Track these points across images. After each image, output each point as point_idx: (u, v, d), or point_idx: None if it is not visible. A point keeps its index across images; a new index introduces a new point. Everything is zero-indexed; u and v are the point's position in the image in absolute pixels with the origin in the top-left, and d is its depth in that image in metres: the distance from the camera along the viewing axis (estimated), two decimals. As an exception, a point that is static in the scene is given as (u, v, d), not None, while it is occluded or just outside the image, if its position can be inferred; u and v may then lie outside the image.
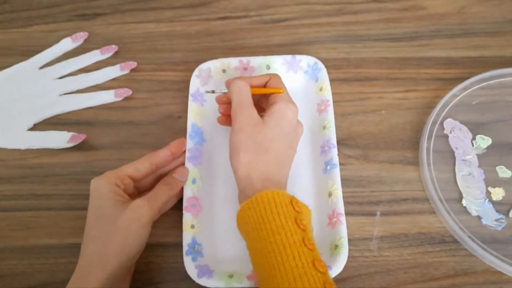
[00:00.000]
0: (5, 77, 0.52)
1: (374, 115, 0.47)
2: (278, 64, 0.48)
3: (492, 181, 0.43)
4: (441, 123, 0.46)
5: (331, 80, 0.47)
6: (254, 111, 0.38)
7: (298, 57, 0.48)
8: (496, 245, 0.40)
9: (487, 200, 0.42)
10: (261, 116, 0.38)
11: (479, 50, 0.51)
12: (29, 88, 0.51)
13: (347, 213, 0.41)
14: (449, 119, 0.46)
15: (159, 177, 0.42)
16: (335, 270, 0.37)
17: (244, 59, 0.48)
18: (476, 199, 0.42)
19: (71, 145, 0.47)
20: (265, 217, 0.32)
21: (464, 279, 0.39)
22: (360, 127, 0.47)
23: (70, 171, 0.46)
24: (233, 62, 0.48)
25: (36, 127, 0.49)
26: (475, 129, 0.46)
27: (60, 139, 0.47)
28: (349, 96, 0.49)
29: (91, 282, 0.34)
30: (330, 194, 0.41)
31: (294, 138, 0.39)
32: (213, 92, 0.43)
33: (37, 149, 0.47)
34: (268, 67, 0.48)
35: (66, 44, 0.54)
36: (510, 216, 0.41)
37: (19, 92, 0.51)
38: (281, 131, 0.37)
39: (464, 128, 0.46)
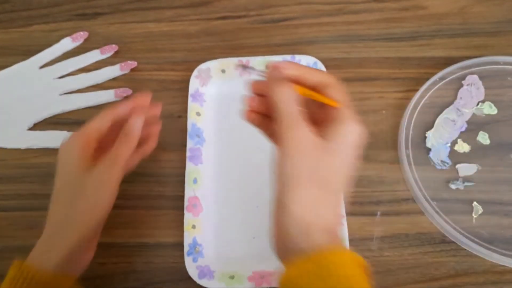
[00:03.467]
0: (5, 77, 0.52)
1: (375, 115, 0.47)
2: None
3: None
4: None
5: (331, 80, 0.47)
6: (309, 129, 0.29)
7: (297, 57, 0.48)
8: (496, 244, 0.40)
9: (449, 145, 0.44)
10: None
11: (480, 50, 0.51)
12: (29, 88, 0.51)
13: (348, 213, 0.41)
14: (475, 76, 0.47)
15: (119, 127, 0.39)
16: None
17: (244, 59, 0.48)
18: (441, 139, 0.43)
19: (71, 145, 0.47)
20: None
21: (464, 279, 0.39)
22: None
23: (70, 171, 0.46)
24: (232, 62, 0.48)
25: (36, 126, 0.49)
26: (476, 128, 0.46)
27: (60, 138, 0.47)
28: (350, 96, 0.49)
29: (59, 246, 0.34)
30: None
31: (353, 170, 0.30)
32: (245, 68, 0.34)
33: (37, 149, 0.47)
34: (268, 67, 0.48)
35: (66, 43, 0.54)
36: (456, 167, 0.43)
37: (19, 91, 0.51)
38: (347, 162, 0.29)
39: (482, 89, 0.46)
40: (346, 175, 0.29)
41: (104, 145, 0.39)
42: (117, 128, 0.38)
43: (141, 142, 0.39)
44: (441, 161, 0.43)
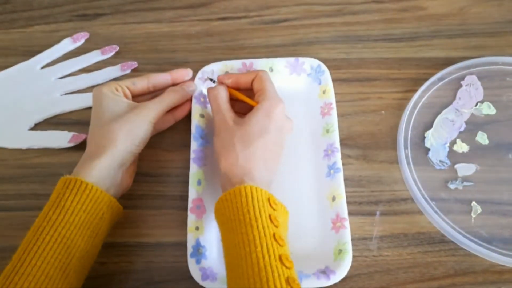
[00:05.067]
0: (6, 77, 0.52)
1: (374, 115, 0.48)
2: (281, 66, 0.48)
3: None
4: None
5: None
6: (229, 114, 0.40)
7: (301, 59, 0.48)
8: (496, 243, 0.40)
9: (448, 145, 0.44)
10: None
11: (479, 50, 0.51)
12: (30, 88, 0.51)
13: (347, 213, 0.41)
14: (474, 76, 0.47)
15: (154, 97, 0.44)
16: (339, 275, 0.37)
17: (247, 61, 0.48)
18: (440, 139, 0.44)
19: (72, 145, 0.47)
20: (240, 209, 0.33)
21: (463, 279, 0.39)
22: (360, 127, 0.47)
23: (71, 171, 0.45)
24: (236, 64, 0.48)
25: (37, 127, 0.49)
26: (475, 129, 0.46)
27: (61, 139, 0.47)
28: (349, 97, 0.49)
29: (97, 162, 0.37)
30: (334, 199, 0.41)
31: (280, 135, 0.40)
32: (214, 81, 0.45)
33: (38, 149, 0.47)
34: (271, 69, 0.48)
35: (67, 44, 0.54)
36: (455, 167, 0.43)
37: (20, 92, 0.51)
38: (263, 128, 0.38)
39: (481, 89, 0.47)
40: (267, 138, 0.38)
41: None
42: (151, 97, 0.43)
43: (174, 109, 0.45)
44: (440, 161, 0.43)
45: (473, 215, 0.42)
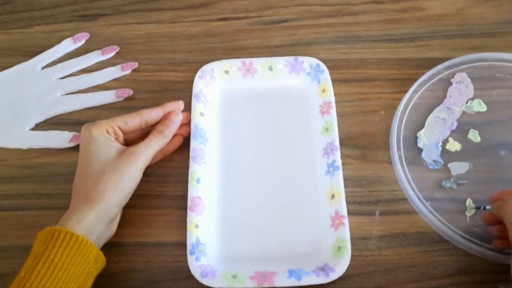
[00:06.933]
0: (7, 77, 0.52)
1: (373, 115, 0.48)
2: (280, 65, 0.48)
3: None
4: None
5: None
6: None
7: (300, 58, 0.48)
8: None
9: (440, 144, 0.44)
10: None
11: (478, 51, 0.51)
12: (30, 88, 0.51)
13: (347, 213, 0.41)
14: (464, 73, 0.47)
15: (146, 133, 0.42)
16: (338, 272, 0.38)
17: (247, 60, 0.48)
18: (432, 138, 0.44)
19: (72, 145, 0.47)
20: None
21: (462, 278, 0.39)
22: (359, 127, 0.47)
23: (71, 171, 0.45)
24: (235, 63, 0.49)
25: (38, 127, 0.49)
26: (467, 126, 0.46)
27: (62, 139, 0.48)
28: (348, 97, 0.49)
29: (85, 215, 0.36)
30: (333, 196, 0.41)
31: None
32: (479, 208, 0.41)
33: (38, 149, 0.48)
34: (271, 69, 0.48)
35: (68, 44, 0.54)
36: (448, 166, 0.43)
37: (20, 92, 0.51)
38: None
39: (471, 87, 0.47)
40: None
41: (128, 144, 0.42)
42: (143, 132, 0.42)
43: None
44: (433, 160, 0.44)
45: (468, 214, 0.42)
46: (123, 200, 0.39)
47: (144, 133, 0.43)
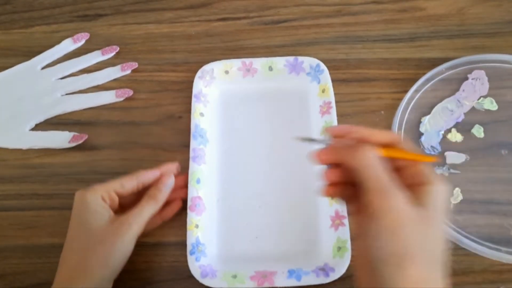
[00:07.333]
0: (7, 78, 0.52)
1: (373, 116, 0.48)
2: (280, 65, 0.48)
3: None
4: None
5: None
6: (403, 197, 0.26)
7: (300, 58, 0.48)
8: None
9: (442, 132, 0.44)
10: None
11: (478, 51, 0.51)
12: (30, 89, 0.51)
13: (348, 212, 0.41)
14: (482, 71, 0.47)
15: (143, 193, 0.40)
16: (338, 272, 0.38)
17: (247, 61, 0.48)
18: (435, 125, 0.44)
19: (72, 145, 0.47)
20: None
21: (462, 279, 0.39)
22: (359, 128, 0.47)
23: (71, 171, 0.46)
24: (235, 63, 0.49)
25: (38, 127, 0.49)
26: (473, 122, 0.46)
27: (62, 139, 0.48)
28: (348, 97, 0.49)
29: None
30: None
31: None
32: (311, 140, 0.31)
33: (38, 149, 0.48)
34: (271, 69, 0.48)
35: (68, 45, 0.54)
36: (445, 154, 0.44)
37: (20, 92, 0.51)
38: (443, 230, 0.27)
39: (487, 85, 0.46)
40: (444, 246, 0.27)
41: (124, 207, 0.39)
42: (140, 193, 0.40)
43: (163, 206, 0.40)
44: (431, 146, 0.44)
45: (452, 201, 0.41)
46: (114, 275, 0.36)
47: (140, 195, 0.40)
